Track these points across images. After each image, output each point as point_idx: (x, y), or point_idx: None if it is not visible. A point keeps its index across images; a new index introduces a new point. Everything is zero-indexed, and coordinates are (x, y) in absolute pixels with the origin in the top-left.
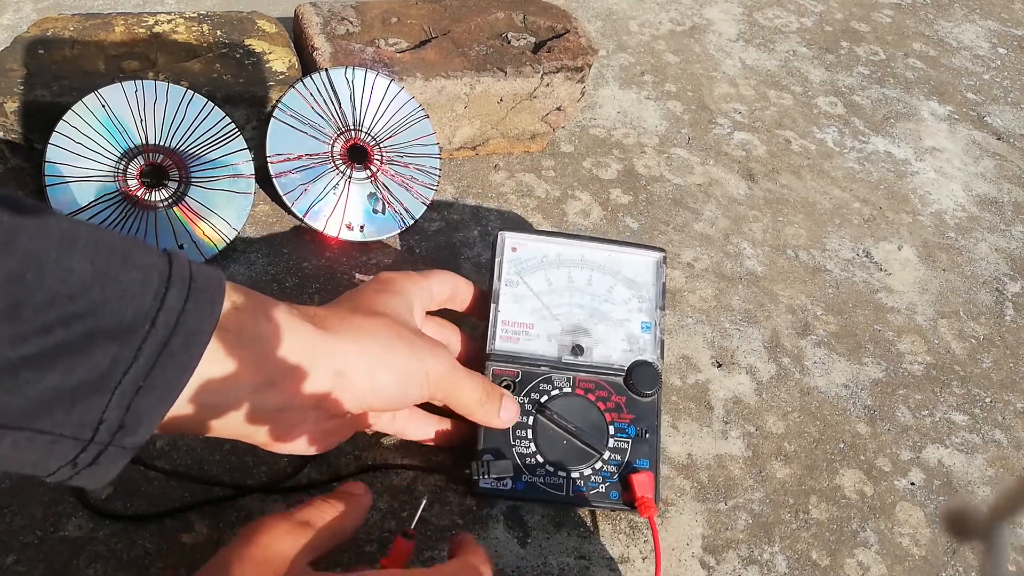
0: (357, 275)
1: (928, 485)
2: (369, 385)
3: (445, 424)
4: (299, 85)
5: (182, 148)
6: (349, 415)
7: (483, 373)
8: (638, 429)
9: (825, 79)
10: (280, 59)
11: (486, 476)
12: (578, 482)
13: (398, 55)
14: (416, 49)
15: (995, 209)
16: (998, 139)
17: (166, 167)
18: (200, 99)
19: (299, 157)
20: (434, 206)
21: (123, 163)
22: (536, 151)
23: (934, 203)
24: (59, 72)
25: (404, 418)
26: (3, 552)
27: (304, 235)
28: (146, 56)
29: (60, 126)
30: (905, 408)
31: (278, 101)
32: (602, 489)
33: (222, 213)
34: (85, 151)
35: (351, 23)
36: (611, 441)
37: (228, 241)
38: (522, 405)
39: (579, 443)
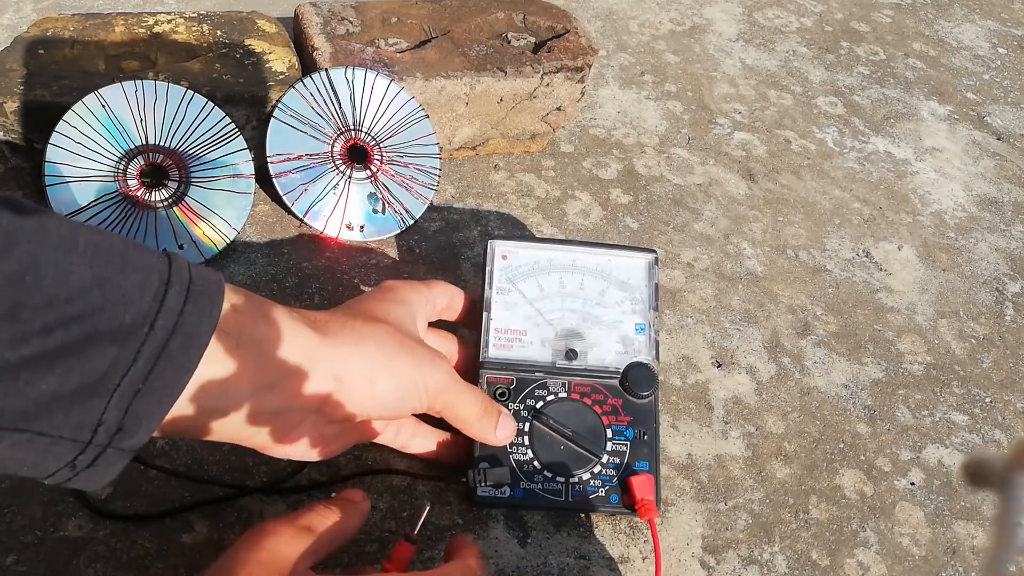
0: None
1: (928, 485)
2: (369, 391)
3: (448, 438)
4: (299, 85)
5: (182, 148)
6: (349, 421)
7: (477, 382)
8: (636, 431)
9: (825, 79)
10: (280, 59)
11: (483, 484)
12: (577, 487)
13: (398, 55)
14: (416, 49)
15: (995, 209)
16: (998, 139)
17: (166, 167)
18: (200, 99)
19: (299, 157)
20: (434, 206)
21: (123, 163)
22: (536, 151)
23: (934, 203)
24: (59, 72)
25: (409, 433)
26: (3, 552)
27: (304, 235)
28: (146, 56)
29: (60, 126)
30: (905, 408)
31: (278, 101)
32: (601, 493)
33: (222, 213)
34: (85, 151)
35: (351, 23)
36: (609, 444)
37: (228, 241)
38: (518, 412)
39: (577, 448)
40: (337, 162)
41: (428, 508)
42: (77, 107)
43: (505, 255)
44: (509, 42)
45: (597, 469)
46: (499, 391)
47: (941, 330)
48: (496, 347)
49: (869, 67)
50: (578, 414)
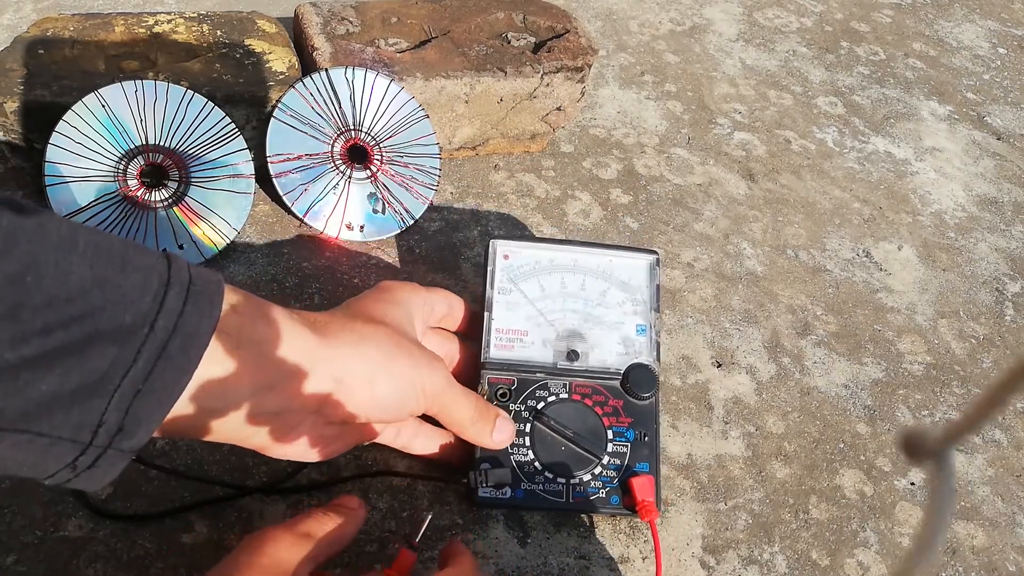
0: None
1: (928, 485)
2: (369, 392)
3: (450, 440)
4: (299, 85)
5: (182, 148)
6: (348, 422)
7: (479, 382)
8: (637, 432)
9: (825, 79)
10: (280, 59)
11: (484, 485)
12: (578, 488)
13: (398, 55)
14: (416, 49)
15: (995, 209)
16: (998, 139)
17: (166, 167)
18: (200, 99)
19: (299, 157)
20: (434, 206)
21: (123, 163)
22: (536, 151)
23: (934, 203)
24: (59, 72)
25: (410, 433)
26: (3, 552)
27: (304, 235)
28: (146, 56)
29: (60, 126)
30: (905, 408)
31: (278, 101)
32: (602, 494)
33: (222, 213)
34: (85, 151)
35: (351, 23)
36: (610, 445)
37: (228, 241)
38: (519, 412)
39: (577, 449)
40: (337, 162)
41: (430, 518)
42: (77, 107)
43: (507, 255)
44: (509, 42)
45: (598, 470)
46: (500, 391)
47: (941, 330)
48: (497, 347)
49: (869, 67)
50: (579, 415)
